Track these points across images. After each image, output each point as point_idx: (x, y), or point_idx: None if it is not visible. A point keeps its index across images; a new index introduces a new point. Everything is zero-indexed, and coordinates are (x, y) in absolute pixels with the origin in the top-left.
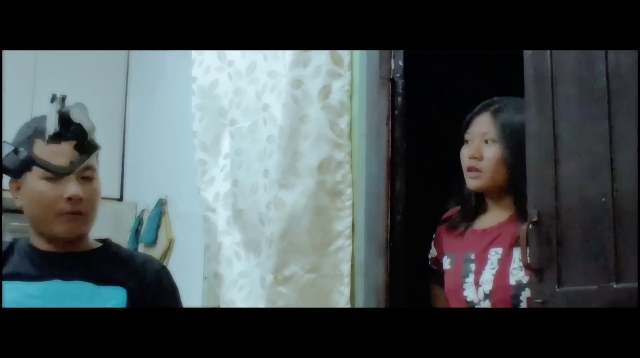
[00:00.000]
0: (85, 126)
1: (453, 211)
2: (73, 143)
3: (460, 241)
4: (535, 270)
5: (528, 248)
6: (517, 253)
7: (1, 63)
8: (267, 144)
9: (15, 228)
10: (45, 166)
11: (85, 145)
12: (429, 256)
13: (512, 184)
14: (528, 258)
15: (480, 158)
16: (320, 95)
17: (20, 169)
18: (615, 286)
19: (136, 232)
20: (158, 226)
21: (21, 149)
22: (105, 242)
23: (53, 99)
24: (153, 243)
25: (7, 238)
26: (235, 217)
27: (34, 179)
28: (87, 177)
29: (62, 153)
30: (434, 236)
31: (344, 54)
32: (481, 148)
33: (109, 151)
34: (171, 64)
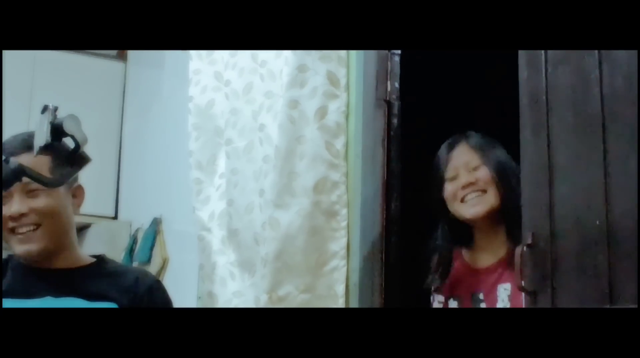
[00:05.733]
0: (78, 137)
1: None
2: (64, 154)
3: (462, 283)
4: (530, 292)
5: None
6: None
7: (1, 63)
8: (262, 164)
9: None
10: (36, 177)
11: (77, 157)
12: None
13: (504, 209)
14: (522, 281)
15: (476, 182)
16: (317, 116)
17: (10, 180)
18: (609, 308)
19: (130, 251)
20: (152, 245)
21: (12, 159)
22: (99, 258)
23: (44, 109)
24: (147, 262)
25: (3, 255)
26: (230, 237)
27: None
28: (32, 190)
29: (51, 165)
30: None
31: (341, 75)
32: (472, 175)
33: (105, 170)
34: (167, 83)
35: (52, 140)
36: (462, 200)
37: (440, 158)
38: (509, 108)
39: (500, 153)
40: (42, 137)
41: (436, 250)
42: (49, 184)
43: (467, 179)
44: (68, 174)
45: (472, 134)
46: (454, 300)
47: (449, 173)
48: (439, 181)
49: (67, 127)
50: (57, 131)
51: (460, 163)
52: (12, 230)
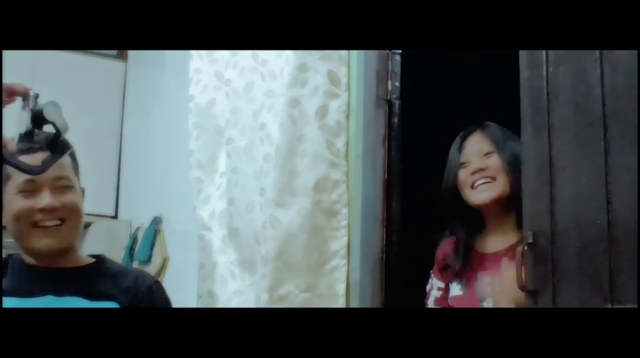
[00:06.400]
0: (59, 124)
1: (444, 249)
2: (45, 141)
3: (469, 266)
4: (530, 291)
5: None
6: None
7: (1, 63)
8: (263, 163)
9: (7, 245)
10: (17, 165)
11: (57, 144)
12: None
13: (515, 197)
14: (523, 280)
15: (486, 168)
16: (317, 115)
17: None
18: (609, 308)
19: (131, 250)
20: (153, 244)
21: None
22: (99, 258)
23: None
24: (147, 261)
25: (3, 254)
26: (231, 236)
27: (10, 195)
28: (62, 186)
29: (33, 152)
30: (431, 271)
31: (342, 74)
32: (483, 162)
33: (105, 169)
34: (168, 83)
35: (32, 127)
36: (472, 186)
37: (455, 145)
38: (510, 107)
39: (515, 144)
40: (22, 124)
41: (443, 239)
42: (31, 172)
43: (477, 165)
44: (49, 162)
45: (489, 124)
46: (458, 283)
47: (462, 159)
48: (454, 169)
49: (48, 114)
50: (38, 118)
51: (473, 150)
52: (35, 224)
